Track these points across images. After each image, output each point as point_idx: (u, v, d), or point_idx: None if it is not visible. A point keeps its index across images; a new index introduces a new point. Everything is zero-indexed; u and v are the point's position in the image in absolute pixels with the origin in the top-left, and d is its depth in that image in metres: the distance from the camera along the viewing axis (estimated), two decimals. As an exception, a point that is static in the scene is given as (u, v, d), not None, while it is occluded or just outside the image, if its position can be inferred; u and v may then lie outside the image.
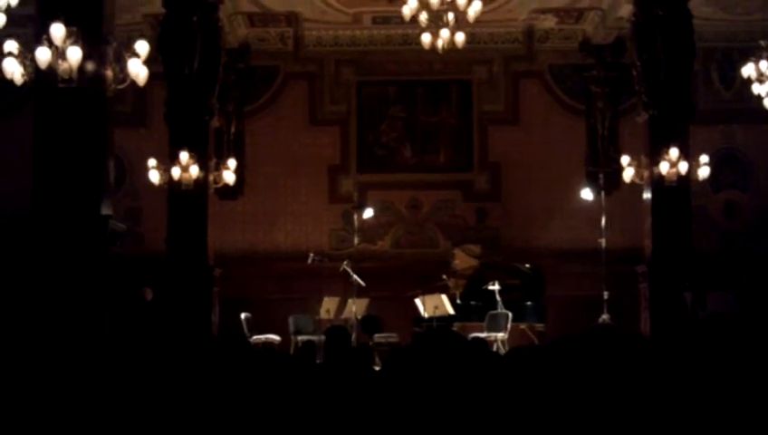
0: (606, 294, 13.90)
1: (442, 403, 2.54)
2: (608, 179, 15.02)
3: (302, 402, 4.06)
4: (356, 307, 13.82)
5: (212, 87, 13.76)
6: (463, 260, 15.05)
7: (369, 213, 15.23)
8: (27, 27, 12.18)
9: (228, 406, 3.83)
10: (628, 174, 13.83)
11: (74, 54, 8.91)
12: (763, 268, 14.35)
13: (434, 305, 13.46)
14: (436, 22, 11.78)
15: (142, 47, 9.38)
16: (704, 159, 13.84)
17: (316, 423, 3.76)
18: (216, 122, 14.41)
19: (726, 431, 2.33)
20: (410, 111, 16.85)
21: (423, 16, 11.64)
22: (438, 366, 2.60)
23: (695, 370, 2.66)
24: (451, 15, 11.64)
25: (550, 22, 16.26)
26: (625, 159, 13.95)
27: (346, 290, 14.23)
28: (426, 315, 13.57)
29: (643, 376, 1.79)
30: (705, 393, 2.47)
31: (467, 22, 11.72)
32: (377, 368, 8.00)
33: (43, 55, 8.87)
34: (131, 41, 9.60)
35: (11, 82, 9.24)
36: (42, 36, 8.94)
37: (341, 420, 3.61)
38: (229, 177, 14.40)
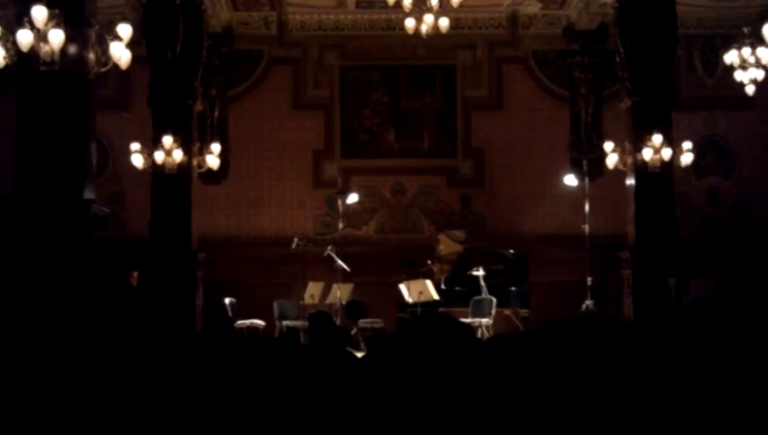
0: (589, 280, 13.97)
1: (434, 388, 2.53)
2: (591, 166, 15.06)
3: (287, 387, 4.05)
4: (340, 292, 13.84)
5: (195, 71, 13.70)
6: (447, 246, 15.07)
7: (353, 198, 15.23)
8: (8, 9, 12.08)
9: (213, 391, 3.83)
10: (612, 160, 13.87)
11: (56, 37, 8.84)
12: (745, 255, 14.45)
13: (418, 291, 13.48)
14: (420, 6, 11.76)
15: (125, 30, 9.33)
16: (686, 145, 13.90)
17: (301, 408, 3.76)
18: (199, 106, 14.36)
19: (712, 418, 2.33)
20: (394, 97, 16.82)
21: (407, 1, 11.61)
22: (435, 351, 2.59)
23: (681, 355, 2.67)
24: (435, 0, 11.62)
25: (534, 7, 16.26)
26: (608, 146, 13.98)
27: (330, 275, 14.24)
28: (410, 301, 13.59)
29: (630, 363, 1.79)
30: (691, 379, 2.48)
31: (451, 7, 11.70)
32: (360, 353, 8.01)
33: (24, 38, 8.80)
34: (114, 24, 9.55)
35: (-8, 64, 9.17)
36: (23, 18, 8.86)
37: (326, 405, 3.61)
38: (213, 161, 14.36)
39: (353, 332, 13.73)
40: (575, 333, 1.80)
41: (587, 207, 14.47)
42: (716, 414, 2.36)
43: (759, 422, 2.41)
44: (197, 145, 14.13)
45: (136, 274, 13.66)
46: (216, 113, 16.32)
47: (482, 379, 2.56)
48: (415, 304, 13.48)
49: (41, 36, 8.85)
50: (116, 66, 9.43)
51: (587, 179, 14.76)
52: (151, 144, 13.55)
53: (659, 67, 13.32)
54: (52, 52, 8.86)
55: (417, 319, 3.22)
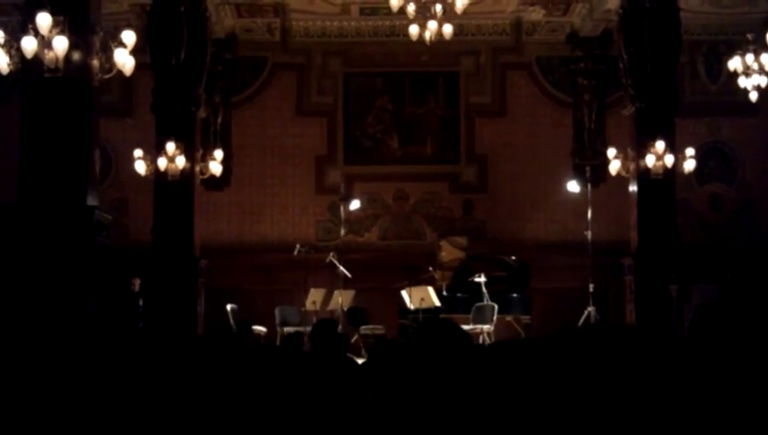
0: (591, 287, 13.94)
1: (435, 396, 2.54)
2: (594, 172, 15.07)
3: (288, 393, 4.06)
4: (342, 299, 13.82)
5: (199, 77, 13.72)
6: (449, 252, 15.07)
7: (355, 204, 15.24)
8: (13, 16, 12.15)
9: (214, 397, 3.83)
10: (615, 167, 13.87)
11: (60, 44, 8.87)
12: (747, 261, 14.44)
13: (420, 297, 13.47)
14: (423, 13, 11.77)
15: (129, 37, 9.35)
16: (689, 151, 13.90)
17: (301, 414, 3.77)
18: (202, 113, 14.38)
19: (725, 421, 2.34)
20: (397, 103, 16.83)
21: (411, 8, 11.63)
22: (437, 358, 2.60)
23: (692, 360, 2.67)
24: (439, 7, 11.63)
25: (537, 14, 16.26)
26: (611, 152, 13.98)
27: (332, 281, 14.23)
28: (412, 307, 13.58)
29: (640, 374, 1.79)
30: (704, 383, 2.48)
31: (455, 13, 11.71)
32: (361, 359, 8.01)
33: (28, 45, 8.83)
34: (118, 31, 9.58)
35: (-4, 71, 9.20)
36: (28, 25, 8.89)
37: (326, 411, 3.61)
38: (216, 168, 14.37)
39: (354, 338, 13.72)
40: (578, 341, 1.80)
41: (589, 214, 14.46)
42: (729, 417, 2.35)
43: None
44: (200, 151, 14.14)
45: (138, 281, 13.69)
46: (220, 120, 16.34)
47: (483, 386, 2.56)
48: (416, 311, 13.47)
49: (45, 43, 8.88)
50: (120, 73, 9.45)
51: (589, 186, 14.75)
52: (154, 151, 13.57)
53: (663, 74, 13.32)
54: (57, 58, 8.89)
55: (418, 325, 3.25)
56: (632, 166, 13.57)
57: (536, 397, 1.90)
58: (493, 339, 13.26)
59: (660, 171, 13.27)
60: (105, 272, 9.57)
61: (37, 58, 8.88)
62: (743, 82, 13.15)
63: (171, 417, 3.59)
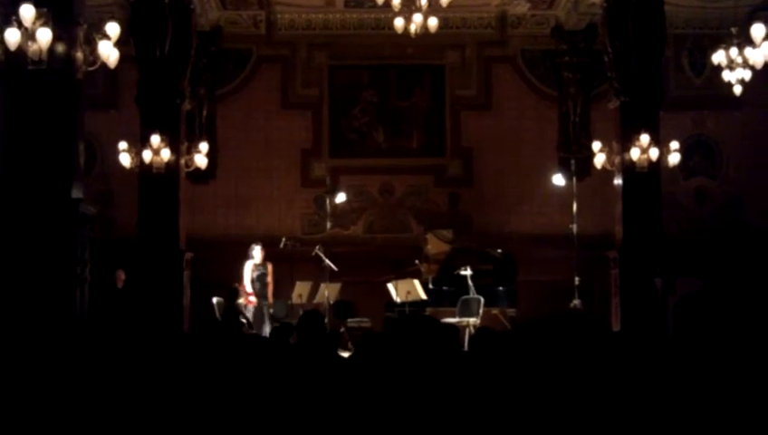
0: (577, 280, 14.00)
1: (414, 388, 2.54)
2: (579, 165, 15.11)
3: (274, 385, 4.06)
4: (328, 292, 13.83)
5: (183, 70, 13.66)
6: (435, 245, 15.09)
7: (341, 197, 15.24)
8: (-4, 8, 12.01)
9: (201, 389, 3.82)
10: (600, 160, 13.91)
11: (44, 36, 8.82)
12: (732, 254, 14.51)
13: (406, 290, 13.49)
14: (409, 6, 11.76)
15: (113, 29, 9.31)
16: (674, 145, 13.94)
17: (289, 406, 3.77)
18: (187, 105, 14.32)
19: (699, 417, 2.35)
20: (383, 96, 16.82)
21: (396, 0, 11.62)
22: (412, 351, 2.60)
23: (664, 356, 2.68)
24: (424, 0, 11.63)
25: (522, 7, 16.28)
26: (596, 145, 14.02)
27: (318, 275, 14.23)
28: (398, 300, 13.60)
29: (607, 362, 1.80)
30: (672, 379, 2.49)
31: (440, 6, 11.70)
32: (348, 353, 8.01)
33: (12, 37, 8.77)
34: (102, 22, 9.53)
35: (-21, 63, 9.13)
36: (11, 17, 8.84)
37: (313, 403, 3.61)
38: (201, 160, 14.32)
39: (341, 331, 13.74)
40: (557, 331, 1.80)
41: (575, 207, 14.51)
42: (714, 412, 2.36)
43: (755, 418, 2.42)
44: (185, 144, 14.09)
45: (123, 276, 13.65)
46: (205, 112, 16.30)
47: (465, 379, 2.57)
48: (403, 304, 13.49)
49: (29, 35, 8.82)
50: (104, 65, 9.41)
51: (575, 179, 14.80)
52: (139, 143, 13.51)
53: (647, 67, 13.37)
54: (40, 51, 8.84)
55: (399, 321, 3.25)
56: (617, 159, 13.62)
57: (516, 388, 1.90)
58: (478, 332, 13.28)
59: (645, 165, 13.32)
60: (90, 265, 9.53)
61: (21, 50, 8.83)
62: (727, 75, 13.17)
63: (156, 410, 3.59)
